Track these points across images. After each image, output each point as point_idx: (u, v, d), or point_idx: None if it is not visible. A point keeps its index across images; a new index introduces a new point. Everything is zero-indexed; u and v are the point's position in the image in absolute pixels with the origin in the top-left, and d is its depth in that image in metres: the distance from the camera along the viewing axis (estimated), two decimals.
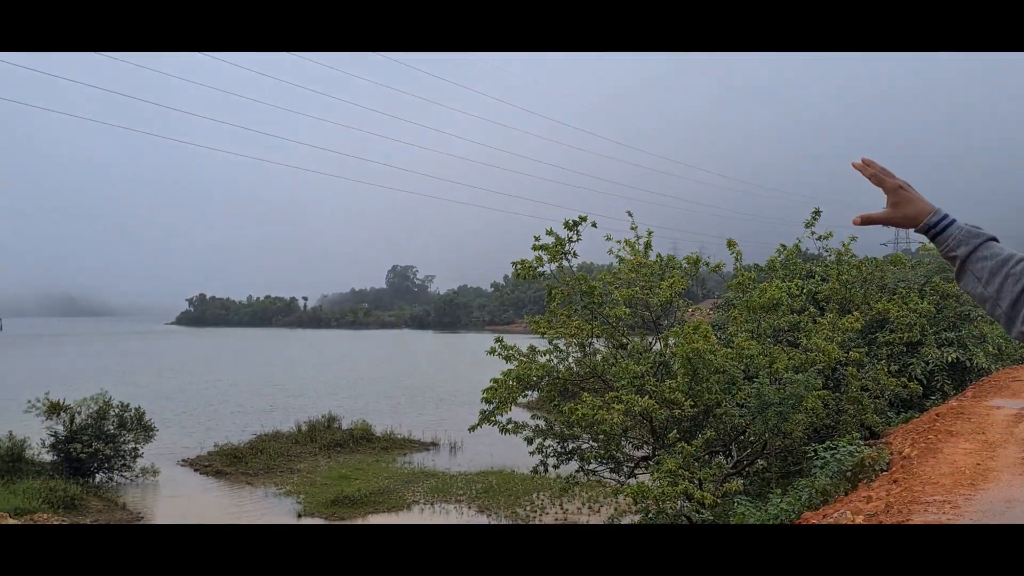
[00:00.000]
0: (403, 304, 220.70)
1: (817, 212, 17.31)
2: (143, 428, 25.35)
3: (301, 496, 22.69)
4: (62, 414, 24.14)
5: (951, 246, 2.01)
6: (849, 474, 10.44)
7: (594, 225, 15.68)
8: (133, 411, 25.39)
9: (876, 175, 2.10)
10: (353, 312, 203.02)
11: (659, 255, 16.53)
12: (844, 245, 17.46)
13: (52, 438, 23.91)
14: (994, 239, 2.02)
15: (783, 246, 17.76)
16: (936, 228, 2.03)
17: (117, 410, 25.04)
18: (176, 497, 23.14)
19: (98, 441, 23.86)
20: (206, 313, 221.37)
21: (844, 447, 11.09)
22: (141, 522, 20.92)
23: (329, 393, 46.73)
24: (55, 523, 17.64)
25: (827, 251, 17.75)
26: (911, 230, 2.07)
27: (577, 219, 15.51)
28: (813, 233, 17.37)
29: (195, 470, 26.48)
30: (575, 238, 15.53)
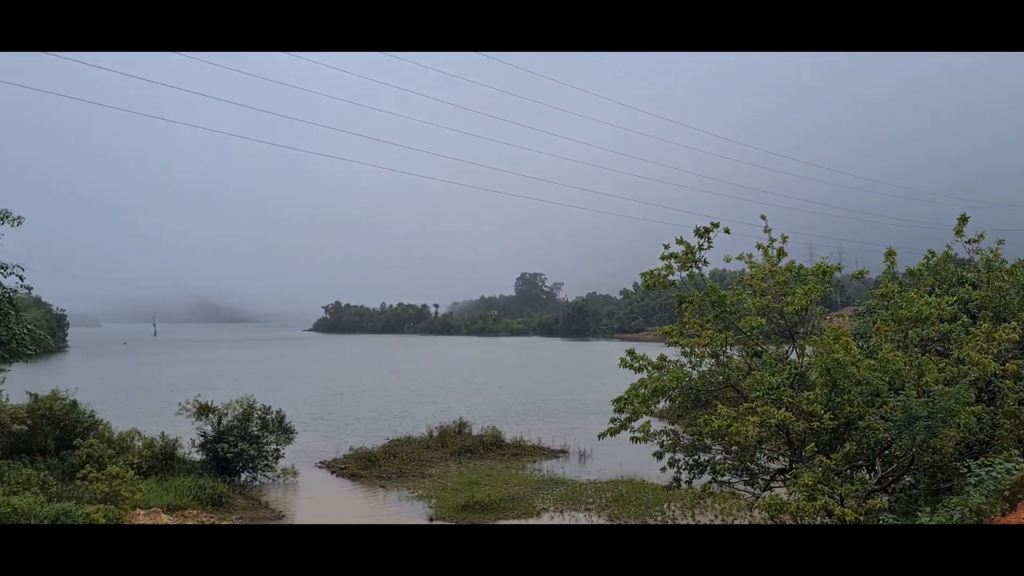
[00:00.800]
0: (532, 311, 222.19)
1: (964, 218, 16.30)
2: (284, 430, 26.39)
3: (433, 500, 23.06)
4: (210, 415, 25.44)
5: None
6: (1007, 493, 9.77)
7: (727, 231, 15.26)
8: (275, 414, 26.48)
9: None
10: (483, 319, 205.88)
11: (792, 262, 15.93)
12: (992, 251, 16.34)
13: (201, 438, 25.23)
14: None
15: (931, 252, 16.80)
16: None
17: (260, 412, 26.18)
18: (314, 498, 23.95)
19: (243, 442, 25.01)
20: (341, 320, 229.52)
21: (1001, 464, 10.40)
22: (282, 521, 21.76)
23: (459, 399, 47.48)
24: (102, 523, 18.58)
25: (977, 253, 16.67)
26: None
27: (708, 226, 15.13)
28: (962, 235, 16.38)
29: (331, 472, 27.36)
30: (706, 245, 15.14)
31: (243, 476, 25.44)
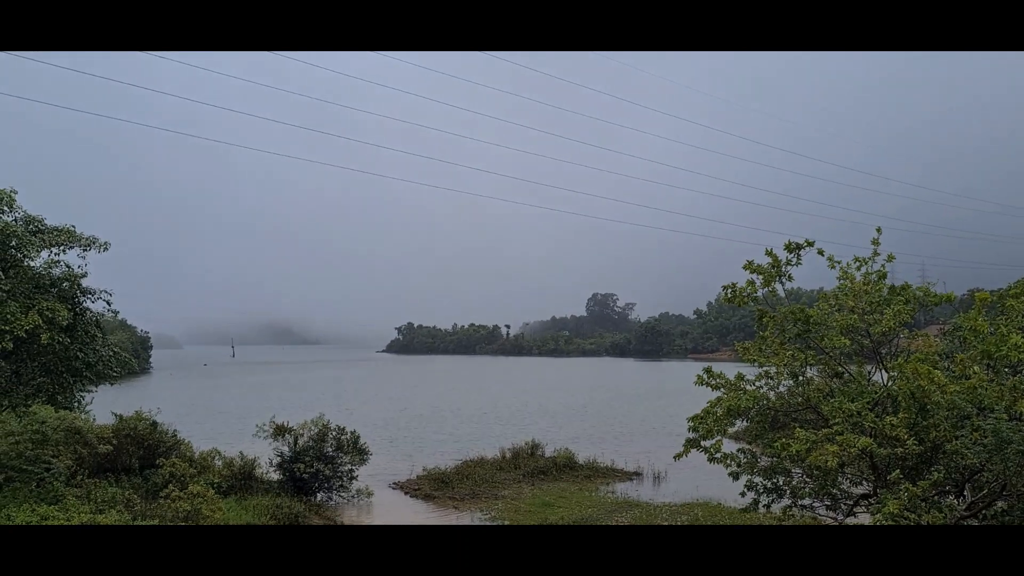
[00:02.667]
0: (603, 332, 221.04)
1: None
2: (358, 451, 26.68)
3: (506, 521, 22.99)
4: (287, 436, 25.88)
5: None
6: None
7: (820, 253, 14.81)
8: (349, 434, 26.80)
9: None
10: (554, 339, 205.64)
11: (892, 285, 15.30)
12: None
13: (278, 458, 25.67)
14: None
15: None
16: None
17: (335, 433, 26.53)
18: (388, 519, 24.11)
19: (318, 462, 25.36)
20: (414, 341, 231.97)
21: None
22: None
23: (532, 420, 47.38)
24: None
25: None
26: None
27: (802, 243, 14.71)
28: None
29: (405, 493, 27.52)
30: (795, 261, 14.76)
31: (319, 496, 25.76)
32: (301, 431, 26.15)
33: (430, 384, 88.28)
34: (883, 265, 14.87)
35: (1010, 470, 11.91)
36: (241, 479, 24.50)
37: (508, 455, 31.87)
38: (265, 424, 26.16)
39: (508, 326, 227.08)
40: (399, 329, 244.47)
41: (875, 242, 14.99)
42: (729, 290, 14.99)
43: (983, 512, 13.63)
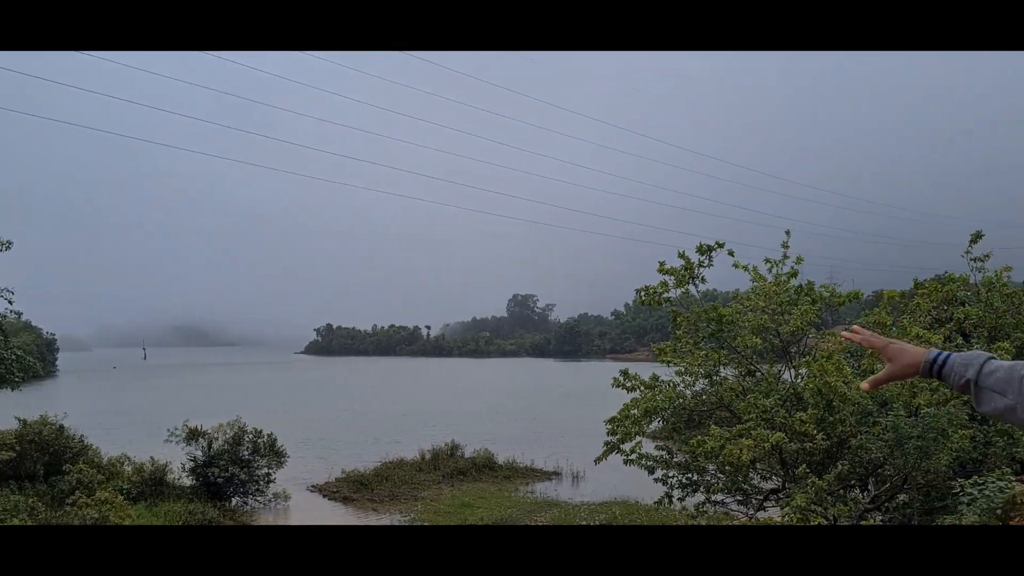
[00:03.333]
0: (524, 332, 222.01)
1: (977, 235, 16.31)
2: (275, 454, 26.26)
3: (425, 523, 22.93)
4: (200, 440, 25.29)
5: (960, 372, 2.08)
6: (999, 512, 9.77)
7: (731, 253, 15.20)
8: (266, 437, 26.34)
9: (866, 340, 2.26)
10: (474, 340, 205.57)
11: (800, 284, 15.81)
12: (997, 274, 16.35)
13: (191, 462, 25.06)
14: (992, 357, 2.09)
15: (950, 276, 16.78)
16: (939, 363, 2.12)
17: (251, 436, 26.04)
18: (306, 522, 23.80)
19: (234, 466, 24.86)
20: (333, 343, 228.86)
21: (993, 483, 10.41)
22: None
23: (452, 421, 47.30)
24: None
25: (981, 271, 16.66)
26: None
27: (713, 244, 15.07)
28: (968, 253, 16.41)
29: (323, 496, 27.21)
30: (707, 263, 15.10)
31: (234, 501, 25.25)
32: (216, 435, 25.58)
33: (349, 386, 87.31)
34: (792, 267, 15.34)
35: (909, 464, 12.46)
36: (152, 485, 23.86)
37: (428, 456, 31.79)
38: (178, 428, 25.50)
39: (428, 327, 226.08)
40: (318, 331, 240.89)
41: (784, 245, 15.47)
42: (643, 292, 15.26)
43: (886, 504, 14.23)
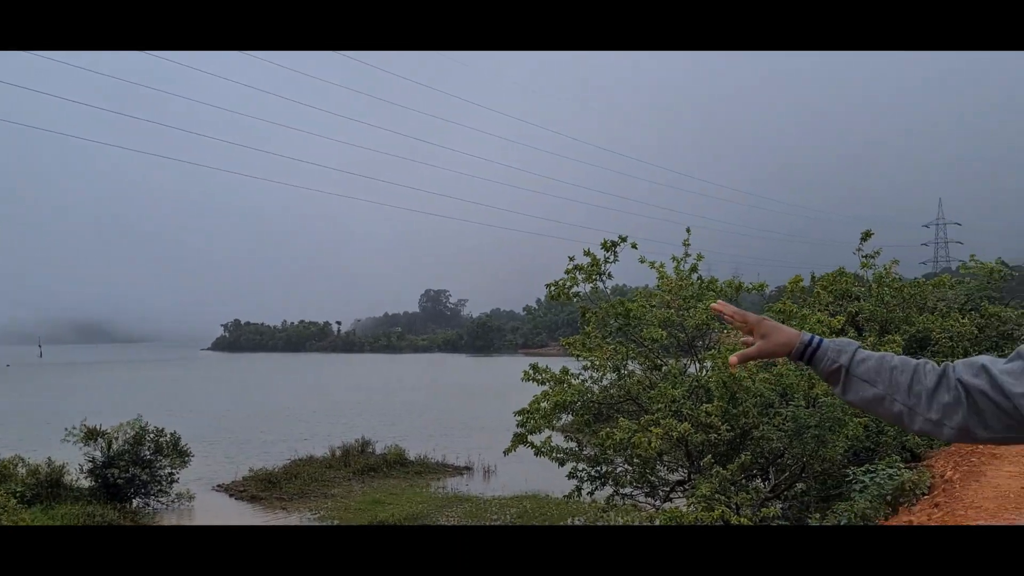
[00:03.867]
0: (436, 328, 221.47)
1: (867, 233, 17.03)
2: (179, 453, 25.55)
3: (336, 521, 22.69)
4: (99, 440, 24.41)
5: (832, 358, 2.05)
6: (889, 498, 10.23)
7: (634, 246, 15.51)
8: (169, 436, 25.62)
9: (736, 314, 2.16)
10: (387, 336, 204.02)
11: (700, 277, 16.29)
12: (885, 268, 17.14)
13: (90, 464, 24.18)
14: (862, 346, 2.07)
15: (842, 269, 17.46)
16: (812, 346, 2.08)
17: (153, 435, 25.29)
18: (211, 523, 23.24)
19: (135, 466, 24.09)
20: (241, 339, 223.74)
21: (884, 470, 10.89)
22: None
23: (363, 417, 46.87)
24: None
25: (871, 268, 17.45)
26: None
27: (617, 239, 15.35)
28: (859, 251, 17.12)
29: (230, 495, 26.61)
30: (612, 259, 15.38)
31: (135, 502, 24.49)
32: (116, 434, 24.72)
33: (256, 383, 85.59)
34: (694, 264, 15.79)
35: (807, 452, 12.93)
36: (48, 487, 22.92)
37: (338, 453, 31.42)
38: (75, 428, 24.55)
39: (339, 323, 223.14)
40: (225, 326, 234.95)
41: (686, 243, 15.95)
42: (552, 287, 15.45)
43: (785, 492, 14.74)
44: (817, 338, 2.10)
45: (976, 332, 17.43)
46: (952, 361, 2.05)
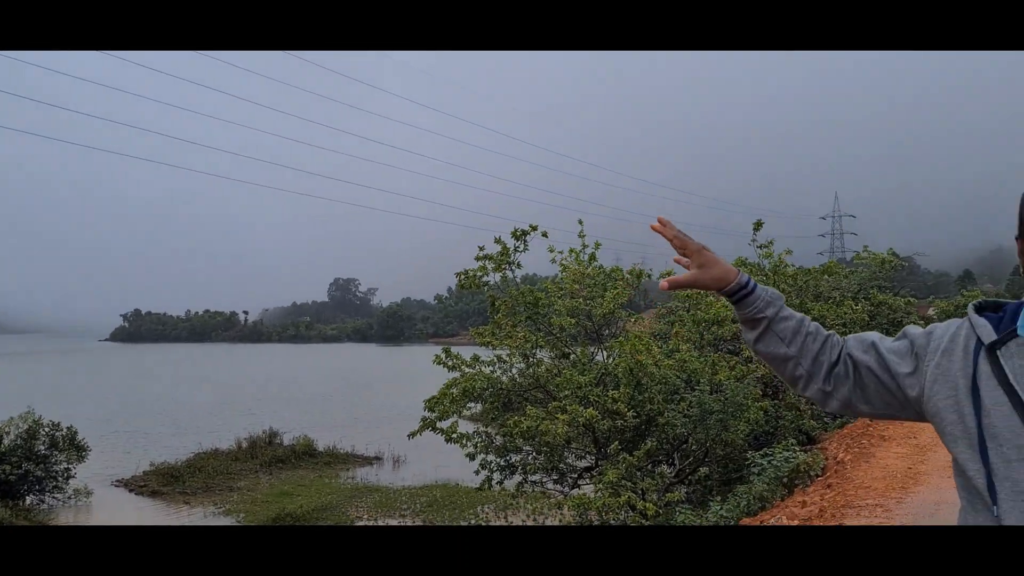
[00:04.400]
0: (345, 317, 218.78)
1: (759, 224, 17.58)
2: (76, 448, 24.64)
3: (241, 515, 22.26)
4: None
5: (759, 307, 2.05)
6: (785, 480, 10.61)
7: (544, 235, 15.64)
8: (64, 431, 24.68)
9: (677, 237, 2.10)
10: (295, 326, 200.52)
11: (601, 266, 16.58)
12: (780, 257, 17.76)
13: None
14: (786, 302, 2.09)
15: (741, 259, 17.97)
16: (746, 288, 2.06)
17: (48, 430, 24.32)
18: (109, 519, 22.50)
19: (28, 462, 23.13)
20: (142, 329, 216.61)
21: (780, 453, 11.28)
22: None
23: (270, 409, 46.01)
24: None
25: (767, 258, 18.04)
26: (726, 286, 2.07)
27: (527, 228, 15.45)
28: (754, 242, 17.66)
29: (130, 490, 25.80)
30: (522, 248, 15.47)
31: (29, 499, 23.52)
32: (7, 429, 23.68)
33: (159, 374, 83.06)
34: (592, 253, 16.11)
35: (711, 438, 13.31)
36: None
37: (245, 445, 30.82)
38: None
39: (246, 312, 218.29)
40: (125, 316, 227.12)
41: (581, 235, 16.22)
42: (462, 276, 15.47)
43: (689, 477, 15.13)
44: (753, 283, 2.08)
45: (868, 319, 18.22)
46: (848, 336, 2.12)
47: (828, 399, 2.04)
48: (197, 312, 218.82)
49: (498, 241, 15.40)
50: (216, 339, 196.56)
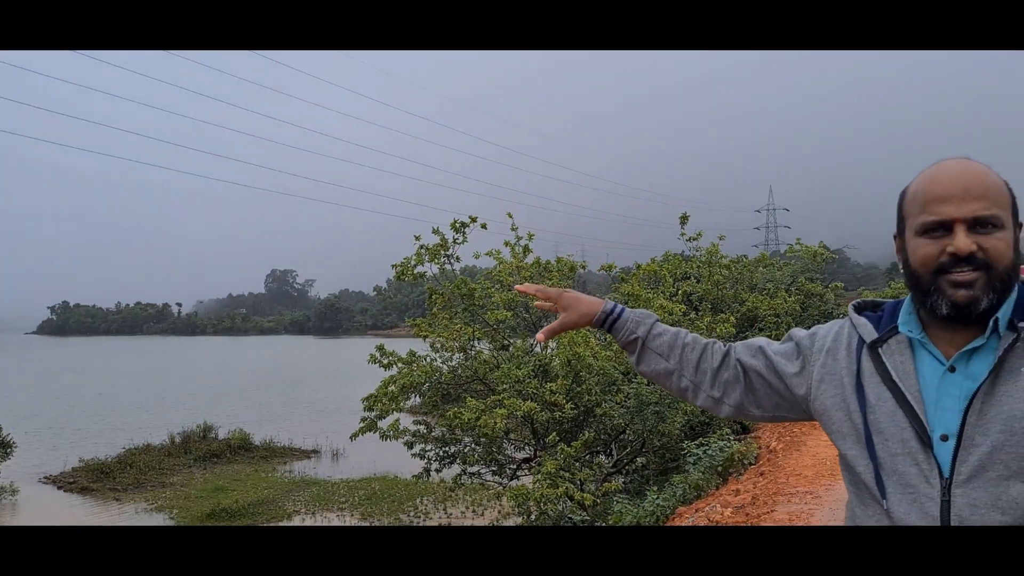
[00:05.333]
0: (283, 309, 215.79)
1: (685, 216, 17.84)
2: (0, 445, 23.89)
3: (174, 511, 21.83)
4: None
5: (631, 329, 2.11)
6: (720, 469, 10.80)
7: (484, 227, 15.60)
8: None
9: (540, 291, 2.19)
10: (230, 318, 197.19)
11: (538, 258, 16.62)
12: (713, 245, 18.05)
13: None
14: (660, 320, 2.16)
15: (669, 253, 18.21)
16: (614, 315, 2.13)
17: None
18: (36, 517, 21.87)
19: None
20: (70, 321, 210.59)
21: (716, 443, 11.47)
22: None
23: (204, 403, 45.16)
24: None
25: (697, 251, 18.30)
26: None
27: (467, 220, 15.39)
28: (684, 234, 17.91)
29: (58, 487, 25.09)
30: (461, 240, 15.40)
31: None
32: None
33: (88, 368, 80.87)
34: (526, 245, 16.16)
35: (648, 428, 13.47)
36: None
37: (178, 440, 30.20)
38: None
39: (180, 304, 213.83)
40: (52, 308, 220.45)
41: (513, 228, 16.24)
42: (399, 267, 15.37)
43: (626, 467, 15.31)
44: (619, 307, 2.14)
45: (800, 310, 18.63)
46: (739, 341, 2.18)
47: (719, 405, 2.11)
48: (128, 304, 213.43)
49: (436, 232, 15.32)
50: (148, 332, 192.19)
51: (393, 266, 15.52)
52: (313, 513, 21.25)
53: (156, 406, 45.20)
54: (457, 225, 15.33)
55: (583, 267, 17.31)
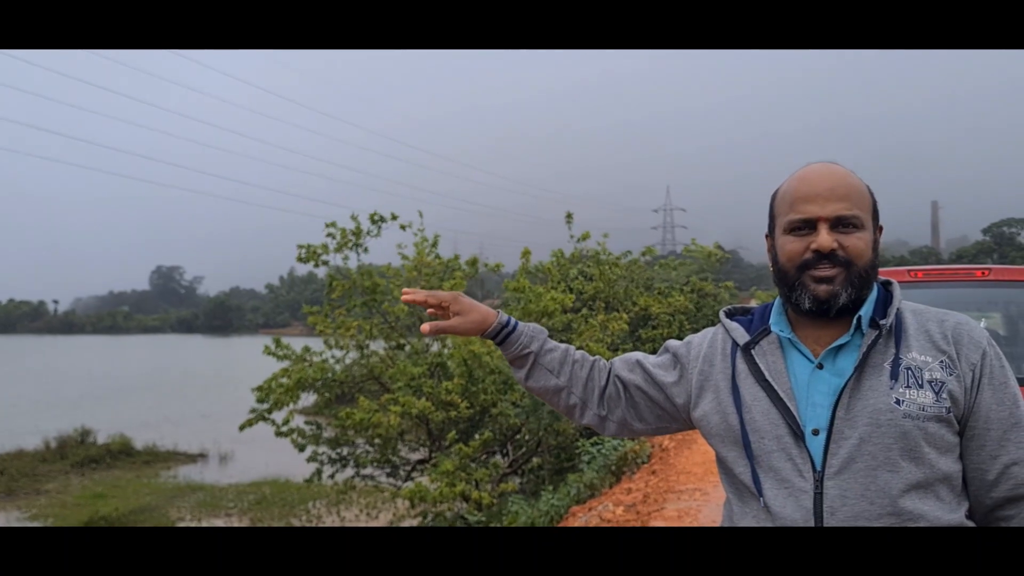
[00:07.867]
0: (169, 307, 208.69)
1: (570, 215, 17.99)
2: None
3: (50, 519, 20.75)
4: None
5: (524, 343, 2.10)
6: (614, 468, 10.91)
7: (403, 228, 15.41)
8: None
9: (432, 295, 2.15)
10: (111, 316, 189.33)
11: (438, 256, 16.46)
12: (600, 244, 18.22)
13: None
14: (550, 335, 2.16)
15: (559, 252, 18.28)
16: (508, 327, 2.11)
17: None
18: None
19: None
20: None
21: (609, 442, 11.58)
22: None
23: (82, 406, 43.16)
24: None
25: (586, 251, 18.45)
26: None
27: (388, 216, 15.19)
28: (572, 237, 18.06)
29: None
30: (375, 232, 15.18)
31: None
32: None
33: None
34: (433, 243, 16.02)
35: (543, 428, 13.51)
36: None
37: (53, 445, 28.75)
38: None
39: (56, 301, 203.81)
40: None
41: (420, 229, 16.09)
42: (304, 249, 14.94)
43: (522, 467, 15.33)
44: (514, 321, 2.13)
45: (695, 310, 19.07)
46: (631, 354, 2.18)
47: (605, 423, 2.12)
48: (0, 302, 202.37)
49: (353, 218, 15.04)
50: (21, 331, 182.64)
51: (299, 246, 15.01)
52: (199, 519, 20.53)
53: (30, 409, 42.93)
54: (376, 217, 15.12)
55: (485, 265, 17.20)
